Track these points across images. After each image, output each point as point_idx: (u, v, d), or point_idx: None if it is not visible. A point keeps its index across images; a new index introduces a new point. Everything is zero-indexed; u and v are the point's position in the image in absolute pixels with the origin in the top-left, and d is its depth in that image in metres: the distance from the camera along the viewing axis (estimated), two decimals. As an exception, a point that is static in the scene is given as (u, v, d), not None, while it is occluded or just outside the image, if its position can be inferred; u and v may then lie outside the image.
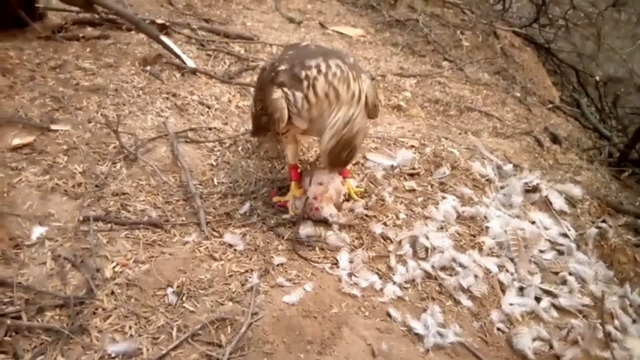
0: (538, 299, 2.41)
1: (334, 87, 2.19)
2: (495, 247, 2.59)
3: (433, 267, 2.38)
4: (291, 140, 2.55)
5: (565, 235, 2.82)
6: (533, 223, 2.81)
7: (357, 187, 2.70)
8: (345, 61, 2.28)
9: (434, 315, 2.14)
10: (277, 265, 2.23)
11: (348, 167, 2.71)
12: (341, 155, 2.24)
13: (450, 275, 2.38)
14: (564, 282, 2.54)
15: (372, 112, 2.41)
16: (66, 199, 2.39)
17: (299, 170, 2.66)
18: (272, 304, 2.02)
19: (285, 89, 2.24)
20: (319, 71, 2.20)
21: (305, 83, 2.20)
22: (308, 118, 2.26)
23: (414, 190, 2.79)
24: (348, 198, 2.62)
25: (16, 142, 2.59)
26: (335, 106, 2.21)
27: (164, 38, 3.72)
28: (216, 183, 2.72)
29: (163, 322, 1.92)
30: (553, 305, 2.41)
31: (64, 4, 3.87)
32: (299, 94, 2.21)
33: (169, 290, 2.04)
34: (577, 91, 7.64)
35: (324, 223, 2.47)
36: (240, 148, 3.00)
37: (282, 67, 2.29)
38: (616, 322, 2.43)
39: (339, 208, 2.51)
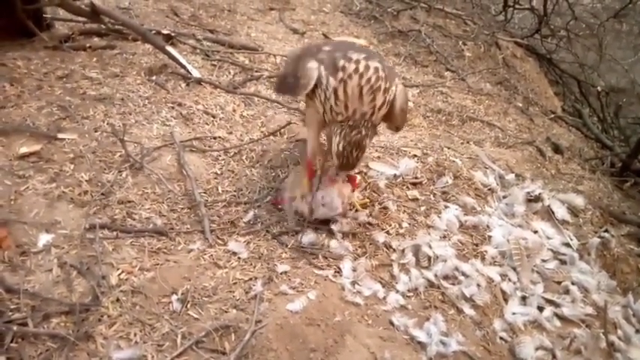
0: (541, 308, 2.41)
1: (362, 93, 2.18)
2: (498, 256, 2.60)
3: (436, 276, 2.39)
4: (314, 126, 2.54)
5: (567, 245, 2.82)
6: (535, 232, 2.82)
7: (361, 199, 2.72)
8: (385, 65, 2.28)
9: (437, 324, 2.14)
10: (281, 273, 2.24)
11: (357, 172, 2.73)
12: (350, 158, 2.22)
13: (453, 284, 2.39)
14: (567, 291, 2.54)
15: (399, 117, 2.39)
16: (72, 207, 2.41)
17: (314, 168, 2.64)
18: (276, 311, 2.03)
19: (322, 68, 2.24)
20: (356, 70, 2.19)
21: (340, 75, 2.19)
22: (325, 109, 2.25)
23: (416, 199, 2.80)
24: (352, 207, 2.63)
25: (24, 150, 2.62)
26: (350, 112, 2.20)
27: (170, 48, 3.76)
28: (220, 191, 2.75)
29: (168, 330, 1.93)
30: (556, 314, 2.41)
31: (71, 15, 3.92)
32: (332, 82, 2.20)
33: (174, 297, 2.05)
34: (579, 102, 7.67)
35: (327, 231, 2.49)
36: (244, 157, 3.03)
37: (327, 48, 2.33)
38: (619, 331, 2.44)
39: (344, 213, 2.52)
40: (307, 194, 2.52)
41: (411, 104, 4.33)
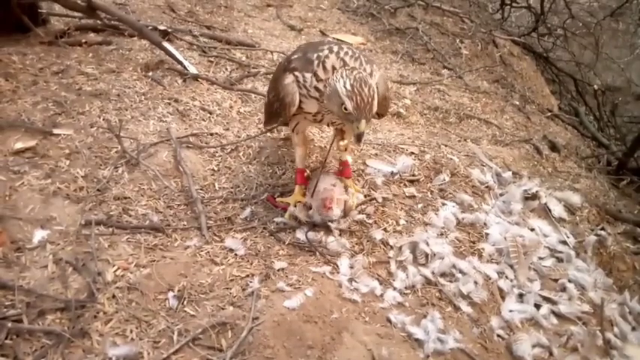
0: (537, 306, 2.41)
1: (344, 61, 2.18)
2: (495, 253, 2.60)
3: (433, 273, 2.39)
4: (300, 142, 2.57)
5: (564, 243, 2.82)
6: (532, 230, 2.82)
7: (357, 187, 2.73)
8: (359, 53, 2.28)
9: (434, 321, 2.14)
10: (278, 270, 2.23)
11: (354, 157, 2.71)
12: (362, 95, 2.05)
13: (450, 281, 2.39)
14: (564, 289, 2.54)
15: (381, 105, 2.32)
16: (68, 203, 2.40)
17: (305, 174, 2.67)
18: (273, 308, 2.02)
19: (297, 72, 2.25)
20: (331, 51, 2.21)
21: (315, 62, 2.20)
22: (317, 97, 2.22)
23: (414, 196, 2.80)
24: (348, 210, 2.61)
25: (19, 146, 2.61)
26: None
27: (166, 44, 3.75)
28: (217, 188, 2.74)
29: (164, 326, 1.92)
30: (552, 312, 2.41)
31: (67, 10, 3.90)
32: (308, 74, 2.21)
33: (170, 294, 2.04)
34: (575, 100, 7.69)
35: (325, 228, 2.48)
36: (241, 154, 3.02)
37: (296, 56, 2.33)
38: (615, 329, 2.44)
39: (346, 213, 2.53)
40: (301, 200, 2.53)
41: (408, 102, 4.33)
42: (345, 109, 2.07)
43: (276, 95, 2.34)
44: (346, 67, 2.14)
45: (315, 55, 2.22)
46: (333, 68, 2.17)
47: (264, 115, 2.65)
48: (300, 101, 2.27)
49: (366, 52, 5.24)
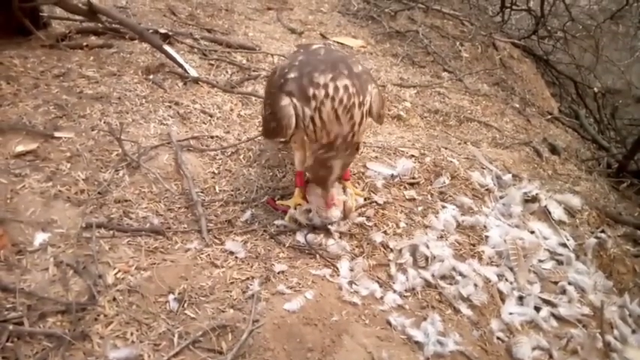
0: (537, 308, 2.42)
1: (338, 115, 2.21)
2: (495, 256, 2.60)
3: (433, 276, 2.39)
4: (299, 146, 2.58)
5: (564, 245, 2.83)
6: (532, 232, 2.83)
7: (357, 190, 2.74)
8: (353, 77, 2.27)
9: (434, 323, 2.14)
10: (278, 273, 2.23)
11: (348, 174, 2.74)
12: (319, 173, 2.35)
13: (450, 284, 2.39)
14: (563, 291, 2.55)
15: (377, 120, 2.45)
16: (69, 206, 2.40)
17: (305, 177, 2.68)
18: (273, 311, 2.03)
19: (295, 100, 2.25)
20: (327, 95, 2.21)
21: (313, 104, 2.21)
22: (313, 134, 2.28)
23: (414, 199, 2.80)
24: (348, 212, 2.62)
25: (20, 149, 2.61)
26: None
27: (167, 47, 3.75)
28: (217, 191, 2.74)
29: (165, 329, 1.92)
30: (552, 315, 2.42)
31: (68, 13, 3.91)
32: (307, 112, 2.23)
33: (171, 297, 2.05)
34: (575, 103, 7.70)
35: (325, 230, 2.48)
36: (241, 157, 3.03)
37: (291, 76, 2.31)
38: (615, 332, 2.44)
39: (346, 215, 2.53)
40: (302, 203, 2.54)
41: (408, 104, 4.34)
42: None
43: (273, 115, 2.34)
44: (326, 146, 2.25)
45: (312, 93, 2.22)
46: (329, 120, 2.21)
47: (262, 128, 2.67)
48: (297, 123, 2.29)
49: (367, 55, 5.25)
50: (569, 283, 2.59)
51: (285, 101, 2.27)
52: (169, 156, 2.85)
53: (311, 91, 2.22)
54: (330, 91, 2.21)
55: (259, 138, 3.15)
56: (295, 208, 2.54)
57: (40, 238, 2.21)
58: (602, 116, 7.22)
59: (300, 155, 2.61)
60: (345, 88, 2.22)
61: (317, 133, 2.24)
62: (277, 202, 2.65)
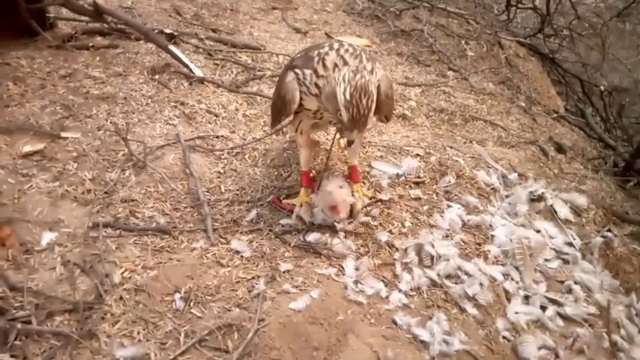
0: (543, 308, 2.41)
1: (344, 59, 2.17)
2: (500, 255, 2.59)
3: (439, 275, 2.39)
4: (305, 143, 2.57)
5: (570, 244, 2.81)
6: (538, 231, 2.81)
7: (365, 191, 2.73)
8: (360, 48, 2.28)
9: (439, 323, 2.14)
10: (284, 272, 2.24)
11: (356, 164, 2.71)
12: (360, 107, 2.00)
13: (456, 283, 2.39)
14: (570, 291, 2.54)
15: (385, 105, 2.33)
16: (75, 206, 2.42)
17: (311, 176, 2.68)
18: (278, 310, 2.03)
19: (297, 70, 2.26)
20: (331, 48, 2.22)
21: (315, 59, 2.21)
22: (317, 94, 2.21)
23: (419, 198, 2.80)
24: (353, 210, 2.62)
25: (27, 149, 2.63)
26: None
27: (172, 48, 3.77)
28: (223, 190, 2.75)
29: (171, 328, 1.94)
30: (558, 314, 2.41)
31: (74, 14, 3.93)
32: (308, 71, 2.22)
33: (177, 296, 2.06)
34: (582, 101, 7.65)
35: (331, 230, 2.49)
36: (247, 156, 3.03)
37: (299, 55, 2.36)
38: (622, 331, 2.43)
39: (353, 217, 2.53)
40: (307, 202, 2.54)
41: (413, 103, 4.33)
42: (340, 115, 2.06)
43: (278, 93, 2.37)
44: (351, 69, 2.06)
45: (316, 52, 2.23)
46: (334, 65, 2.16)
47: (271, 116, 2.66)
48: (301, 98, 2.28)
49: (371, 52, 5.24)
50: (576, 283, 2.57)
51: (290, 77, 2.28)
52: (175, 156, 2.86)
53: (315, 52, 2.24)
54: (335, 46, 2.23)
55: (264, 138, 3.16)
56: (301, 206, 2.54)
57: (48, 237, 2.23)
58: (608, 115, 7.18)
59: (306, 154, 2.61)
60: (351, 45, 2.25)
61: (319, 83, 2.17)
62: (283, 202, 2.66)
